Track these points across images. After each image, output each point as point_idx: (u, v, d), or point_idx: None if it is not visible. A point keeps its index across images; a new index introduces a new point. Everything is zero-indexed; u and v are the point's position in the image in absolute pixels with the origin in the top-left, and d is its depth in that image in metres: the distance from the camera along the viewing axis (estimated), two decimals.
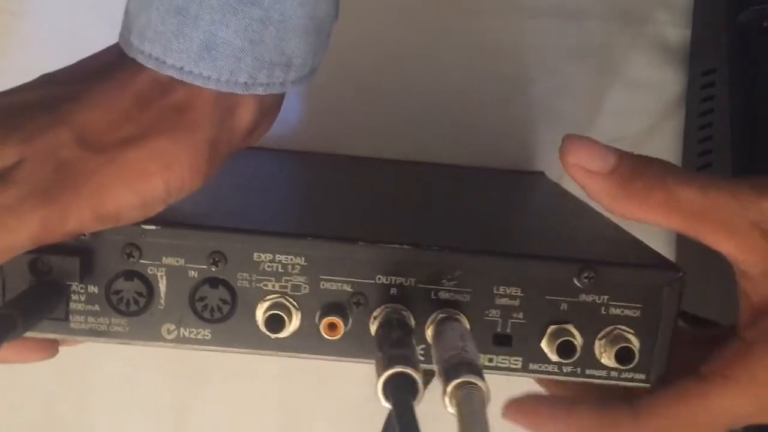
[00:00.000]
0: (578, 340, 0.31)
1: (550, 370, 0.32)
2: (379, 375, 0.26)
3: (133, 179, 0.27)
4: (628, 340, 0.31)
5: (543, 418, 0.31)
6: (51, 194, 0.27)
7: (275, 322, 0.30)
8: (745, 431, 0.31)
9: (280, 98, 0.31)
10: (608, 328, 0.31)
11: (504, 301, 0.31)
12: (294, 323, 0.31)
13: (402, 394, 0.25)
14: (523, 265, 0.31)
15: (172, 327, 0.31)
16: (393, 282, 0.31)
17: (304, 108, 0.54)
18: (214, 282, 0.31)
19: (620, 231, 0.38)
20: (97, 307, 0.31)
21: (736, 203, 0.28)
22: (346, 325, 0.31)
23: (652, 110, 0.55)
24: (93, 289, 0.31)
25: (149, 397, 0.55)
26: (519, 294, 0.31)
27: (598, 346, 0.31)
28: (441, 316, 0.31)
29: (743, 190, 0.28)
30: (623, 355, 0.31)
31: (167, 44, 0.27)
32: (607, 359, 0.31)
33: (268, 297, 0.31)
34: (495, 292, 0.31)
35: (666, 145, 0.55)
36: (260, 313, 0.31)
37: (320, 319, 0.31)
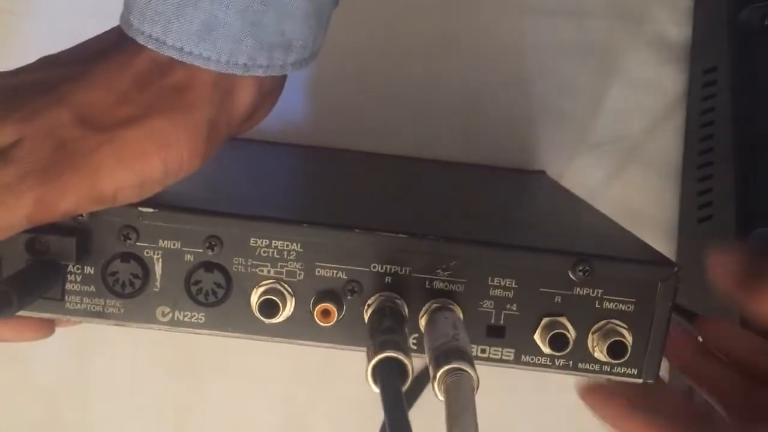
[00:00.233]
0: (571, 334, 0.31)
1: (543, 362, 0.32)
2: (369, 361, 0.26)
3: (132, 159, 0.27)
4: (621, 335, 0.31)
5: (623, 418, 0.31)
6: (49, 173, 0.27)
7: (269, 308, 0.30)
8: None
9: (280, 81, 0.31)
10: (602, 322, 0.31)
11: (498, 292, 0.31)
12: (288, 309, 0.31)
13: (390, 378, 0.25)
14: (518, 256, 0.31)
15: (167, 310, 0.31)
16: (388, 270, 0.31)
17: (307, 104, 0.54)
18: (209, 266, 0.31)
19: (617, 227, 0.38)
20: (92, 288, 0.31)
21: None
22: (340, 312, 0.31)
23: (653, 109, 0.54)
24: (89, 270, 0.31)
25: (149, 396, 0.55)
26: (513, 286, 0.31)
27: (591, 339, 0.31)
28: (435, 305, 0.31)
29: None
30: (616, 350, 0.31)
31: (167, 24, 0.27)
32: (600, 353, 0.31)
33: (263, 282, 0.31)
34: (489, 283, 0.31)
35: (667, 144, 0.54)
36: (254, 298, 0.31)
37: (314, 306, 0.31)
